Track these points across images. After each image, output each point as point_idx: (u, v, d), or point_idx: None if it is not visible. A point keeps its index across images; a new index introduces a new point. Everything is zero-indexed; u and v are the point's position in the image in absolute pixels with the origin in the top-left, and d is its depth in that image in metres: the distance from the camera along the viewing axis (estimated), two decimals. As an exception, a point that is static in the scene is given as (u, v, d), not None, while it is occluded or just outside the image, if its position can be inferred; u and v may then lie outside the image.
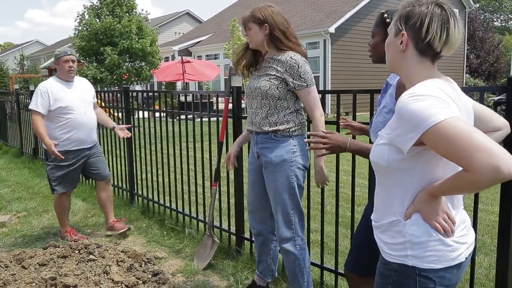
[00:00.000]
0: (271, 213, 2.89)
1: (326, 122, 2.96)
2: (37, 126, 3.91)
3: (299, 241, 2.73)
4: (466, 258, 1.43)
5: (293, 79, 2.55)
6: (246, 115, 3.59)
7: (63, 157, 3.91)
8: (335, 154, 2.94)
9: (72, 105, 3.99)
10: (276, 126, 2.63)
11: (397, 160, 1.38)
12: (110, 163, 5.48)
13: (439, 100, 1.27)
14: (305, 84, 2.56)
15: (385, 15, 2.04)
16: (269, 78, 2.61)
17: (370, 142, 2.28)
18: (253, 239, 3.54)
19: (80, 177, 4.38)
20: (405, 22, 1.42)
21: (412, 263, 1.38)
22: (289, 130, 2.63)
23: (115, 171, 5.48)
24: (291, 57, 2.56)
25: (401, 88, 1.91)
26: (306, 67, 2.58)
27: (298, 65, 2.55)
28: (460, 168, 1.25)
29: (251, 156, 2.86)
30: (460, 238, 1.41)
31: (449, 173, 1.34)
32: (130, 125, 4.29)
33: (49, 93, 3.96)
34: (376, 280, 1.54)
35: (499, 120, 1.63)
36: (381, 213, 1.49)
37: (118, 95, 5.45)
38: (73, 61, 4.09)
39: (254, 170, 2.86)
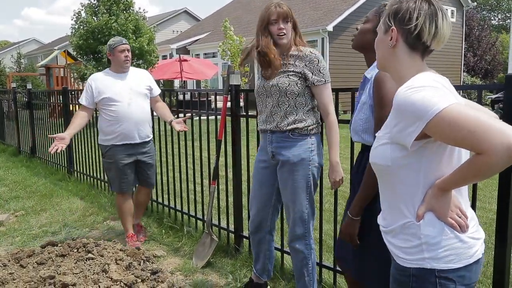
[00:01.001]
0: (272, 213, 2.90)
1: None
2: (74, 115, 3.92)
3: (309, 240, 2.73)
4: (482, 254, 1.40)
5: (312, 73, 2.53)
6: (244, 113, 3.60)
7: (57, 148, 3.45)
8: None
9: (115, 96, 3.76)
10: (295, 124, 2.59)
11: (401, 157, 1.35)
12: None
13: (437, 89, 1.27)
14: (324, 80, 2.55)
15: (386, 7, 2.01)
16: (288, 75, 2.57)
17: (351, 139, 2.29)
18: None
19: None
20: (393, 18, 1.42)
21: (431, 266, 1.34)
22: (307, 128, 2.60)
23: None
24: (310, 52, 2.54)
25: (378, 83, 1.89)
26: (324, 62, 2.58)
27: (318, 60, 2.54)
28: (463, 159, 1.23)
29: (263, 155, 2.80)
30: (474, 234, 1.38)
31: (454, 166, 1.32)
32: (189, 116, 3.94)
33: (93, 85, 3.82)
34: None
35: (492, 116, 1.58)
36: (391, 217, 1.44)
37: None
38: (128, 50, 3.86)
39: (264, 169, 2.81)
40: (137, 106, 3.82)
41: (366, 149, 2.06)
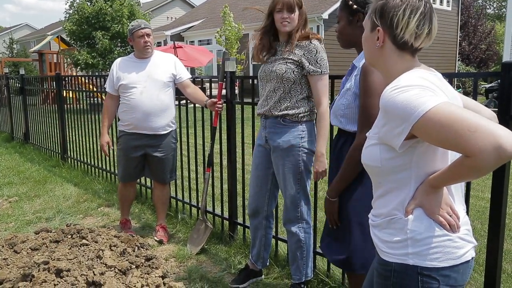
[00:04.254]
0: (269, 198, 2.93)
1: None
2: (103, 107, 3.82)
3: (303, 224, 2.79)
4: (472, 257, 1.33)
5: (309, 63, 2.57)
6: (239, 100, 3.59)
7: (108, 154, 3.73)
8: (328, 141, 2.96)
9: (131, 83, 3.58)
10: (286, 110, 2.64)
11: (391, 159, 1.31)
12: (99, 148, 5.44)
13: (424, 88, 1.21)
14: (320, 71, 2.58)
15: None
16: (286, 62, 2.61)
17: (331, 124, 2.36)
18: (246, 224, 3.56)
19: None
20: (380, 17, 1.35)
21: (413, 262, 1.29)
22: (297, 116, 2.64)
23: (107, 156, 5.44)
24: (310, 42, 2.58)
25: (365, 72, 1.94)
26: (324, 54, 2.60)
27: (316, 50, 2.57)
28: (456, 157, 1.19)
29: (259, 138, 2.87)
30: (465, 236, 1.32)
31: (447, 163, 1.27)
32: (219, 100, 3.48)
33: (114, 70, 3.68)
34: (375, 282, 1.46)
35: (486, 111, 1.51)
36: (380, 211, 1.41)
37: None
38: (148, 35, 3.61)
39: (260, 153, 2.88)
40: (150, 95, 3.57)
41: (342, 133, 2.15)
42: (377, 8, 1.36)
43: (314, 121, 2.73)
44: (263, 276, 3.14)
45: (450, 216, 1.30)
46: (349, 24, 2.09)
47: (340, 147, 2.15)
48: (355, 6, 2.03)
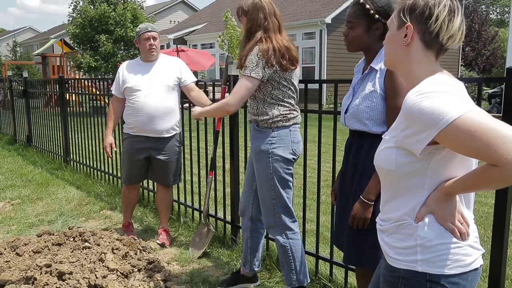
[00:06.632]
0: (254, 199, 2.92)
1: (323, 112, 2.97)
2: (109, 110, 3.83)
3: (286, 230, 2.73)
4: (480, 265, 1.32)
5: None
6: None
7: (111, 156, 3.79)
8: (331, 144, 2.96)
9: (136, 86, 3.59)
10: (258, 116, 2.67)
11: (407, 163, 1.29)
12: (101, 151, 5.46)
13: (451, 95, 1.19)
14: (243, 72, 2.57)
15: (367, 5, 2.01)
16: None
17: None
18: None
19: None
20: (409, 13, 1.33)
21: (422, 269, 1.28)
22: (267, 121, 2.62)
23: (108, 159, 5.45)
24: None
25: (392, 74, 1.93)
26: (253, 56, 2.51)
27: (248, 53, 2.55)
28: (473, 165, 1.18)
29: None
30: (475, 243, 1.31)
31: (465, 168, 1.27)
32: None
33: (121, 73, 3.70)
34: None
35: None
36: (389, 216, 1.39)
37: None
38: (154, 38, 3.63)
39: (251, 154, 2.92)
40: (155, 98, 3.58)
41: (366, 136, 2.08)
42: (406, 6, 1.34)
43: (291, 127, 2.65)
44: (258, 283, 3.09)
45: (461, 224, 1.29)
46: (367, 32, 2.05)
47: (367, 150, 2.08)
48: (376, 16, 2.00)
